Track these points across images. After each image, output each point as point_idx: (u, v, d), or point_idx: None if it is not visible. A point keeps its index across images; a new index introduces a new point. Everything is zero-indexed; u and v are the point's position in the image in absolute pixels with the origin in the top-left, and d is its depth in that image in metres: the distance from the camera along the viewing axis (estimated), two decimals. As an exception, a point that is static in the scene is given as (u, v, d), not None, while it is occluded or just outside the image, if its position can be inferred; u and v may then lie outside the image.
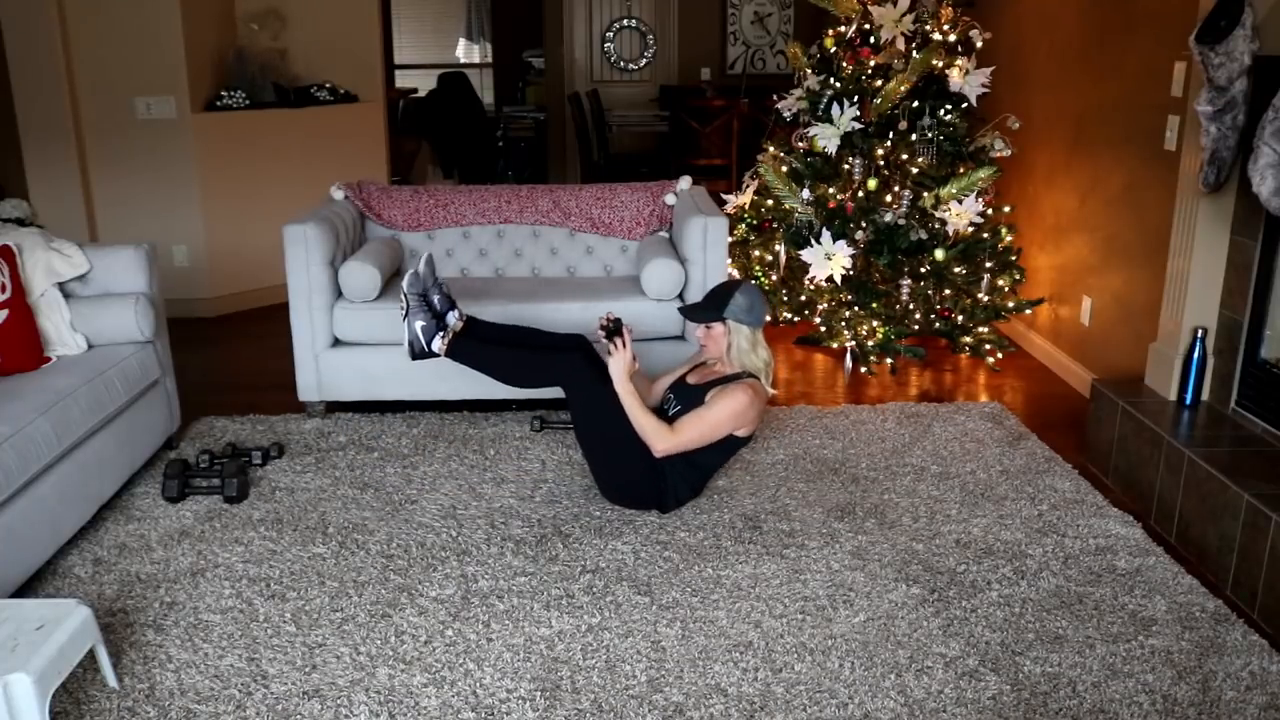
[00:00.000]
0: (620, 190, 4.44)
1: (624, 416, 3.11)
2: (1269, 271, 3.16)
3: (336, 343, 3.93)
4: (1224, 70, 2.96)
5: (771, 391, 3.31)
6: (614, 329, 3.15)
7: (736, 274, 4.87)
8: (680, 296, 3.95)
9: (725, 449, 3.22)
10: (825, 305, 4.61)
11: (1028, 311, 4.73)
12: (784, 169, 4.71)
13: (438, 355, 3.28)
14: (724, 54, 8.76)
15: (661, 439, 3.07)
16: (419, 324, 3.27)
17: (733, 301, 3.17)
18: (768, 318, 3.24)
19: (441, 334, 3.28)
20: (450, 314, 3.35)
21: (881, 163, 4.56)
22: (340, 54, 5.93)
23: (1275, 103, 2.82)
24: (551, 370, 3.24)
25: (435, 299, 3.34)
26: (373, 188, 4.44)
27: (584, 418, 3.19)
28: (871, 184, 4.49)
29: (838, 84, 4.60)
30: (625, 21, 8.66)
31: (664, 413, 3.24)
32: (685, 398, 3.21)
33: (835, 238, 4.39)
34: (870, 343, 4.48)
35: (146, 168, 5.25)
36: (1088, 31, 4.30)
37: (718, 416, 3.10)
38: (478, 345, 3.33)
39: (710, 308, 3.22)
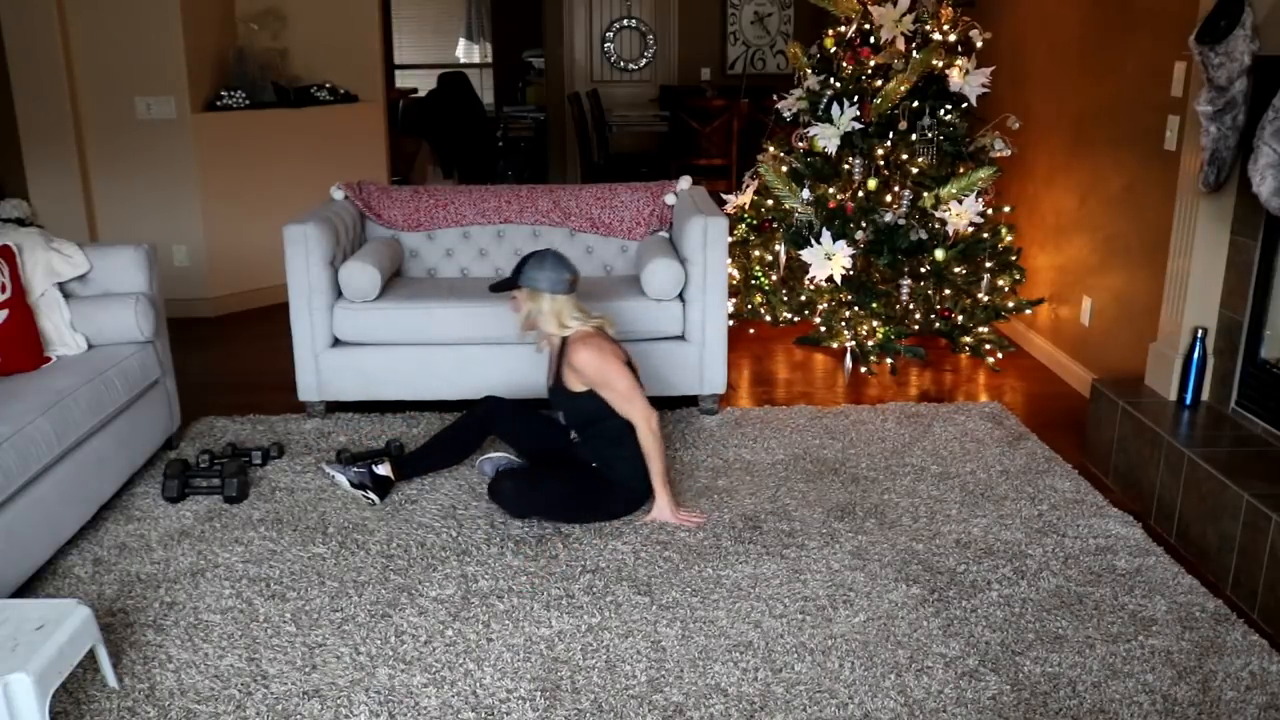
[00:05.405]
0: (620, 190, 4.44)
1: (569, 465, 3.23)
2: (1269, 271, 3.16)
3: (336, 343, 3.93)
4: (1224, 70, 2.96)
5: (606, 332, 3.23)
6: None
7: (736, 274, 4.87)
8: (681, 297, 3.95)
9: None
10: (825, 305, 4.61)
11: (1028, 311, 4.72)
12: (784, 169, 4.70)
13: (388, 477, 3.33)
14: (724, 54, 8.76)
15: (647, 423, 3.07)
16: (352, 470, 3.33)
17: (526, 267, 3.09)
18: (570, 281, 3.11)
19: (375, 462, 3.36)
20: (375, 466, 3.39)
21: (881, 163, 4.56)
22: (340, 54, 5.93)
23: (1275, 103, 2.82)
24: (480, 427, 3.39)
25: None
26: (373, 188, 4.44)
27: (537, 478, 3.24)
28: (871, 184, 4.49)
29: (838, 84, 4.60)
30: (625, 21, 8.65)
31: (565, 429, 3.27)
32: (563, 402, 3.20)
33: (835, 238, 4.39)
34: (870, 343, 4.48)
35: (146, 168, 5.25)
36: (1088, 31, 4.30)
37: (606, 375, 3.07)
38: (413, 455, 3.42)
39: (510, 279, 3.16)
